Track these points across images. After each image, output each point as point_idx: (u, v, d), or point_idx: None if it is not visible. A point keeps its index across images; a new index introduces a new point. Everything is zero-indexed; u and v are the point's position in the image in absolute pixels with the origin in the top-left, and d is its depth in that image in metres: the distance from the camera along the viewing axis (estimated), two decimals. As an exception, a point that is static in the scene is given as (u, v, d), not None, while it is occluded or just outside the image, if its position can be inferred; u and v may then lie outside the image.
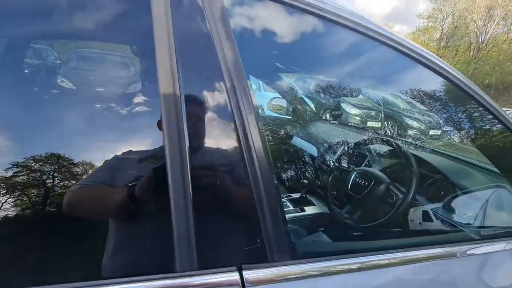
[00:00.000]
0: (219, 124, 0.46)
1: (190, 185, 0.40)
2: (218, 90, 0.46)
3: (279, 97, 1.84)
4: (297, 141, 1.62)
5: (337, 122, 2.00)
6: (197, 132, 0.44)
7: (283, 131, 1.62)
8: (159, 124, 0.41)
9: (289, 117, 1.79)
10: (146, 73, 0.47)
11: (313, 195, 1.30)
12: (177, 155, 0.40)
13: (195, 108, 0.44)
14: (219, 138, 0.46)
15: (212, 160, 0.45)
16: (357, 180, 1.07)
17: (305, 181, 1.37)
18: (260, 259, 0.44)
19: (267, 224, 0.44)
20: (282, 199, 1.29)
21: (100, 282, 0.36)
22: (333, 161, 1.37)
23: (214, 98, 0.46)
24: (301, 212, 1.20)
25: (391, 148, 1.14)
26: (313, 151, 1.54)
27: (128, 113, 0.45)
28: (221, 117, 0.46)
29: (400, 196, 0.93)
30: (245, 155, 0.45)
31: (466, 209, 0.90)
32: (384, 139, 1.16)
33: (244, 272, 0.41)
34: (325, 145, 1.51)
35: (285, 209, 1.24)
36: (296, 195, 1.31)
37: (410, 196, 0.90)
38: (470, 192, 0.94)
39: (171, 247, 0.38)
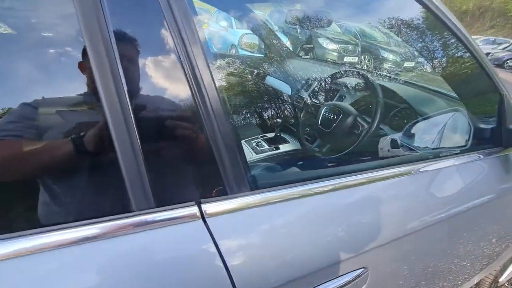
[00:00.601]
0: (162, 63, 0.42)
1: (135, 130, 0.38)
2: (155, 24, 0.41)
3: (250, 34, 1.71)
4: (271, 80, 1.57)
5: (312, 58, 1.93)
6: (134, 72, 0.40)
7: (256, 70, 1.55)
8: (81, 66, 0.37)
9: (262, 55, 1.70)
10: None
11: (287, 133, 1.31)
12: (115, 100, 0.37)
13: (127, 46, 0.40)
14: (164, 79, 0.42)
15: (157, 102, 0.42)
16: (327, 114, 1.08)
17: (278, 120, 1.37)
18: (219, 193, 0.45)
19: (224, 162, 0.45)
20: (258, 139, 1.31)
21: (56, 227, 0.37)
22: (306, 98, 1.36)
23: (151, 33, 0.41)
24: (275, 150, 1.22)
25: (360, 81, 1.13)
26: (287, 89, 1.51)
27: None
28: (162, 54, 0.42)
29: (366, 126, 0.96)
30: (194, 95, 0.42)
31: (425, 134, 0.95)
32: (355, 73, 1.14)
33: (203, 206, 0.43)
34: (299, 82, 1.48)
35: (260, 149, 1.26)
36: (271, 135, 1.32)
37: (374, 126, 0.92)
38: (430, 117, 0.97)
39: (124, 191, 0.38)
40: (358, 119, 1.00)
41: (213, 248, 0.42)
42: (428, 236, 0.69)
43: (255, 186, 0.48)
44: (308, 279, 0.50)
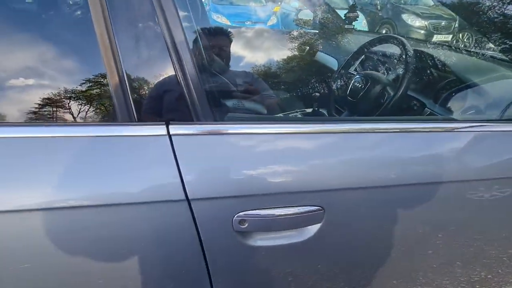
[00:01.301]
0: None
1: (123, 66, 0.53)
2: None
3: (306, 10, 1.71)
4: (320, 55, 1.56)
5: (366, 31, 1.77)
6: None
7: (304, 46, 1.56)
8: None
9: (315, 31, 1.68)
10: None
11: (325, 108, 1.31)
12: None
13: None
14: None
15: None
16: (356, 84, 1.03)
17: (317, 94, 1.37)
18: (186, 119, 0.56)
19: (192, 97, 0.56)
20: (296, 113, 1.36)
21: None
22: (348, 73, 1.31)
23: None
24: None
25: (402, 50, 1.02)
26: (334, 64, 1.47)
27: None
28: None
29: (391, 94, 0.88)
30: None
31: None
32: (394, 40, 1.03)
33: (170, 127, 0.55)
34: (347, 57, 1.42)
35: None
36: (309, 110, 1.35)
37: (399, 94, 0.85)
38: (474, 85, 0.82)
39: (113, 107, 0.54)
40: (388, 88, 0.93)
41: (172, 161, 0.54)
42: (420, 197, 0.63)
43: (220, 118, 0.58)
44: (256, 199, 0.56)
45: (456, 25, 2.77)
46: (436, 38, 2.66)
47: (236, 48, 1.14)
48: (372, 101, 0.93)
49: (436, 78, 0.99)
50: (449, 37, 2.84)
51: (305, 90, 1.33)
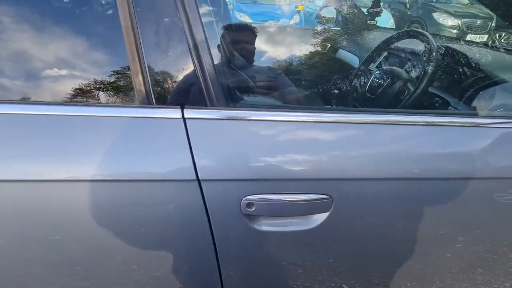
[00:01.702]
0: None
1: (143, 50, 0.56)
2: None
3: (329, 7, 1.69)
4: (342, 53, 1.54)
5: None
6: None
7: (325, 43, 1.55)
8: None
9: (337, 28, 1.66)
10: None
11: (344, 105, 1.29)
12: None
13: None
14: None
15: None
16: (376, 80, 1.01)
17: (335, 91, 1.35)
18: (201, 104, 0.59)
19: (207, 83, 0.58)
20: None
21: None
22: (369, 69, 1.28)
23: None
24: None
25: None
26: (355, 61, 1.45)
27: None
28: None
29: (412, 90, 0.86)
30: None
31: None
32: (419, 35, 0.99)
33: (185, 110, 0.58)
34: (369, 54, 1.39)
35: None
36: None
37: (419, 91, 0.82)
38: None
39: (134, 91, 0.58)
40: (408, 84, 0.90)
41: (185, 143, 0.56)
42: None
43: (233, 104, 0.60)
44: (264, 184, 0.57)
45: (493, 24, 2.60)
46: (470, 38, 2.50)
47: (258, 44, 1.16)
48: (391, 97, 0.90)
49: (461, 74, 0.95)
50: (484, 37, 2.67)
51: (324, 87, 1.32)
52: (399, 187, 0.61)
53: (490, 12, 2.59)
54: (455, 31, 2.68)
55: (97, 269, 0.63)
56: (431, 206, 0.64)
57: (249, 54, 1.02)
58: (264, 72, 0.97)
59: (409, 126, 0.61)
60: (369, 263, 0.72)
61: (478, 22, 2.72)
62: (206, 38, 0.57)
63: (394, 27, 1.99)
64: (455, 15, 2.74)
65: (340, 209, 0.60)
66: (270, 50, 1.32)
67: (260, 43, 1.26)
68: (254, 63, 1.01)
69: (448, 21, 2.74)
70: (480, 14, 2.62)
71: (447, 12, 2.69)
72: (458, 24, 2.78)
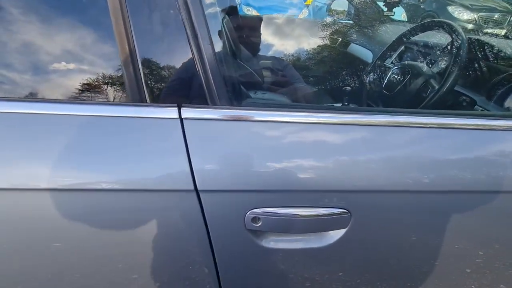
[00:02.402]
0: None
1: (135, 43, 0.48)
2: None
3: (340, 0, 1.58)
4: (354, 47, 1.44)
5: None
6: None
7: (337, 37, 1.45)
8: None
9: (350, 21, 1.55)
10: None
11: (357, 102, 1.20)
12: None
13: None
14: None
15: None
16: (394, 76, 0.91)
17: (347, 88, 1.26)
18: (199, 102, 0.50)
19: (209, 78, 0.50)
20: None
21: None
22: (385, 65, 1.18)
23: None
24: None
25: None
26: (369, 56, 1.35)
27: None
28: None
29: (436, 87, 0.76)
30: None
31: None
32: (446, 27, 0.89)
33: (182, 110, 0.50)
34: (385, 48, 1.29)
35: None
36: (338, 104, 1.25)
37: (445, 88, 0.72)
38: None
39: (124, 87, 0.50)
40: (431, 80, 0.80)
41: (182, 147, 0.48)
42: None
43: (237, 102, 0.51)
44: (272, 196, 0.49)
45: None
46: (486, 31, 2.38)
47: (264, 37, 1.07)
48: (412, 95, 0.81)
49: (491, 70, 0.85)
50: (501, 32, 2.53)
51: (335, 83, 1.23)
52: (419, 199, 0.53)
53: (509, 6, 2.45)
54: (471, 25, 2.55)
55: (97, 277, 0.56)
56: (451, 219, 0.57)
57: (255, 46, 0.94)
58: (271, 65, 0.88)
59: (430, 129, 0.52)
60: (383, 278, 0.65)
61: (496, 16, 2.58)
62: (207, 26, 0.49)
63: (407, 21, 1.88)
64: (471, 8, 2.60)
65: (359, 225, 0.52)
66: (277, 44, 1.23)
67: (266, 36, 1.17)
68: (260, 55, 0.92)
69: (464, 15, 2.60)
70: (498, 8, 2.48)
71: (462, 5, 2.56)
72: (474, 18, 2.64)
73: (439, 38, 1.04)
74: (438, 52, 0.99)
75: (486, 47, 0.88)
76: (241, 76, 0.69)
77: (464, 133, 0.54)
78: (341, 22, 1.59)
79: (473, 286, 0.69)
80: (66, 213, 0.49)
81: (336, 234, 0.52)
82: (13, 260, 0.52)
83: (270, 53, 1.08)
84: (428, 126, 0.53)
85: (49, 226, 0.49)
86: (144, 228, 0.51)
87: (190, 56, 0.49)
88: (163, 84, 0.51)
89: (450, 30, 0.79)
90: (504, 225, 0.60)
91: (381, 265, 0.62)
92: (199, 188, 0.48)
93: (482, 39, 0.91)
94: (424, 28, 0.92)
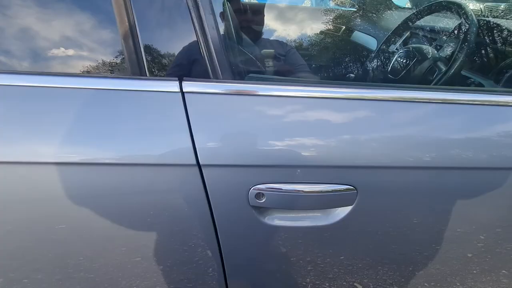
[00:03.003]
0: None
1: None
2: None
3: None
4: (358, 35, 1.41)
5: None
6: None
7: (339, 25, 1.41)
8: None
9: (353, 9, 1.52)
10: None
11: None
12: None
13: None
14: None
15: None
16: (400, 60, 0.89)
17: (351, 75, 1.23)
18: (202, 76, 0.48)
19: (211, 51, 0.47)
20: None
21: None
22: (389, 51, 1.15)
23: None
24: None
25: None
26: (373, 43, 1.32)
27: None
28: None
29: (443, 70, 0.74)
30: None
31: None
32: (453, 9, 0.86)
33: (183, 83, 0.48)
34: (390, 34, 1.26)
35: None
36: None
37: (453, 70, 0.70)
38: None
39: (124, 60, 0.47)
40: (439, 63, 0.78)
41: (184, 121, 0.46)
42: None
43: (239, 76, 0.49)
44: (277, 171, 0.48)
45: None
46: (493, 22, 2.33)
47: (268, 24, 1.05)
48: (418, 78, 0.79)
49: (498, 54, 0.82)
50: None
51: (339, 71, 1.20)
52: (427, 178, 0.52)
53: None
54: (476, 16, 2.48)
55: (101, 260, 0.55)
56: (452, 199, 0.56)
57: (258, 30, 0.91)
58: (275, 47, 0.86)
59: (445, 106, 0.50)
60: (385, 262, 0.64)
61: (502, 6, 2.51)
62: (213, 11, 0.47)
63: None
64: (480, -3, 2.52)
65: (365, 202, 0.50)
66: (280, 31, 1.21)
67: (270, 23, 1.14)
68: (264, 39, 0.89)
69: (469, 5, 2.53)
70: (504, -2, 2.41)
71: (469, -5, 2.48)
72: (480, 8, 2.58)
73: (446, 22, 1.01)
74: (444, 37, 0.97)
75: (494, 29, 0.86)
76: (244, 52, 0.67)
77: (471, 109, 0.52)
78: (345, 10, 1.55)
79: (474, 271, 0.68)
80: (66, 187, 0.47)
81: (342, 212, 0.51)
82: (15, 237, 0.51)
83: (273, 38, 1.06)
84: (434, 101, 0.51)
85: (48, 201, 0.48)
86: (145, 205, 0.49)
87: (192, 27, 0.47)
88: (163, 58, 0.49)
89: (459, 11, 0.76)
90: (507, 207, 0.58)
91: (384, 247, 0.61)
92: (201, 162, 0.46)
93: (490, 22, 0.88)
94: (431, 10, 0.89)
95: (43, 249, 0.52)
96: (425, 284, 0.69)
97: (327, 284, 0.67)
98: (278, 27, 1.22)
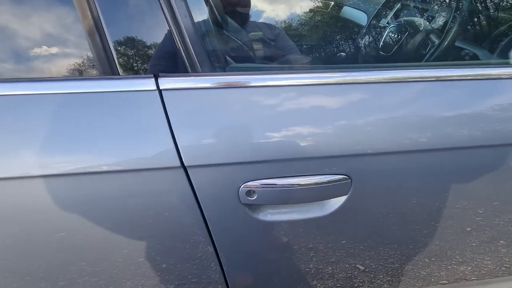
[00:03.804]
0: None
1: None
2: None
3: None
4: (347, 11, 1.33)
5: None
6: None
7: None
8: None
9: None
10: None
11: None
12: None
13: None
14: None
15: None
16: (392, 34, 0.84)
17: (342, 54, 1.17)
18: (179, 70, 0.44)
19: (186, 43, 0.43)
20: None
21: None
22: (380, 25, 1.09)
23: None
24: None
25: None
26: (363, 19, 1.25)
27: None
28: None
29: (436, 42, 0.69)
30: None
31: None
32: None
33: (160, 80, 0.43)
34: (379, 8, 1.19)
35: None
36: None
37: (447, 42, 0.65)
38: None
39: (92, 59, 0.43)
40: (431, 36, 0.73)
41: (163, 121, 0.43)
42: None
43: (221, 68, 0.45)
44: (266, 167, 0.45)
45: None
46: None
47: (254, 4, 0.98)
48: (410, 53, 0.75)
49: (492, 22, 0.77)
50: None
51: (330, 50, 1.14)
52: (424, 160, 0.50)
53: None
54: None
55: (103, 264, 0.53)
56: (451, 178, 0.54)
57: (244, 9, 0.84)
58: (261, 30, 0.80)
59: (437, 83, 0.47)
60: (386, 242, 0.63)
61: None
62: None
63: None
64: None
65: (360, 190, 0.48)
66: (269, 12, 1.13)
67: (257, 3, 1.07)
68: (249, 20, 0.83)
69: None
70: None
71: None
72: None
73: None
74: (436, 6, 0.91)
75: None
76: (225, 41, 0.62)
77: (464, 85, 0.48)
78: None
79: (473, 244, 0.68)
80: (53, 198, 0.44)
81: (337, 202, 0.48)
82: (15, 253, 0.49)
83: (260, 20, 0.99)
84: (427, 79, 0.47)
85: (39, 213, 0.45)
86: (135, 212, 0.47)
87: (164, 19, 0.42)
88: (137, 52, 0.44)
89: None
90: (504, 179, 0.56)
91: (384, 230, 0.59)
92: (186, 164, 0.43)
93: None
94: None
95: (44, 258, 0.50)
96: (426, 260, 0.69)
97: (329, 268, 0.66)
98: (266, 7, 1.15)
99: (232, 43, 0.62)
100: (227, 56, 0.52)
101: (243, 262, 0.56)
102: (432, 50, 0.69)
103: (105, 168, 0.42)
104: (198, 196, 0.45)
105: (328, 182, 0.46)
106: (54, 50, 0.45)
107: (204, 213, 0.47)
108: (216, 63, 0.45)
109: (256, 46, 0.79)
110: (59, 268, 0.52)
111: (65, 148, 0.42)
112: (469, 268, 0.72)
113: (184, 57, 0.43)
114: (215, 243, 0.51)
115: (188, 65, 0.43)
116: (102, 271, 0.53)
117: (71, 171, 0.42)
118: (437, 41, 0.70)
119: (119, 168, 0.42)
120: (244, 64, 0.59)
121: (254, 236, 0.51)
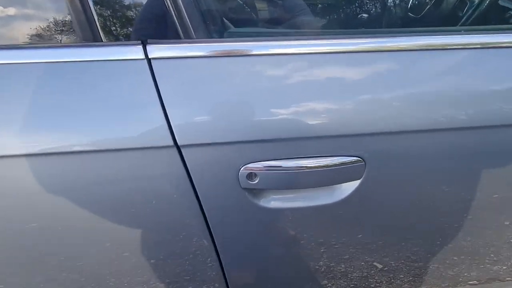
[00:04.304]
0: None
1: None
2: None
3: None
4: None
5: None
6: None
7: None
8: None
9: None
10: None
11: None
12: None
13: None
14: None
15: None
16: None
17: (363, 16, 1.17)
18: (170, 35, 0.46)
19: (178, 4, 0.45)
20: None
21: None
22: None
23: None
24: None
25: None
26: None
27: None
28: None
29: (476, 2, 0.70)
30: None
31: None
32: None
33: (148, 47, 0.46)
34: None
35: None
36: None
37: (486, 3, 0.66)
38: None
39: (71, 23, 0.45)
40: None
41: (153, 94, 0.45)
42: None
43: (218, 33, 0.47)
44: (269, 147, 0.48)
45: None
46: None
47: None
48: (445, 15, 0.75)
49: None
50: None
51: (349, 11, 1.14)
52: (460, 139, 0.51)
53: None
54: None
55: (85, 259, 0.57)
56: (488, 162, 0.56)
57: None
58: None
59: (482, 51, 0.48)
60: (407, 237, 0.66)
61: None
62: None
63: None
64: None
65: (375, 174, 0.50)
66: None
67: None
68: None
69: None
70: None
71: None
72: None
73: None
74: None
75: None
76: (223, 0, 0.63)
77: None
78: None
79: (511, 240, 0.71)
80: (30, 180, 0.47)
81: (348, 187, 0.51)
82: None
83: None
84: (469, 47, 0.49)
85: (13, 197, 0.49)
86: (120, 199, 0.50)
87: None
88: (122, 18, 0.47)
89: None
90: None
91: (406, 222, 0.62)
92: (179, 143, 0.46)
93: None
94: None
95: (16, 250, 0.54)
96: (454, 258, 0.72)
97: (342, 266, 0.70)
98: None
99: (231, 3, 0.63)
100: (225, 19, 0.54)
101: (243, 255, 0.60)
102: (469, 13, 0.69)
103: (85, 148, 0.46)
104: (193, 179, 0.49)
105: (339, 164, 0.48)
106: (24, 11, 0.47)
107: (200, 199, 0.50)
108: (213, 27, 0.48)
109: (260, 5, 0.80)
110: (34, 263, 0.56)
111: (40, 125, 0.45)
112: (504, 267, 0.74)
113: (176, 20, 0.45)
114: (212, 233, 0.55)
115: (180, 30, 0.46)
116: (81, 267, 0.57)
117: (43, 151, 0.46)
118: (476, 1, 0.70)
119: (101, 147, 0.46)
120: (245, 28, 0.60)
121: (255, 225, 0.55)
